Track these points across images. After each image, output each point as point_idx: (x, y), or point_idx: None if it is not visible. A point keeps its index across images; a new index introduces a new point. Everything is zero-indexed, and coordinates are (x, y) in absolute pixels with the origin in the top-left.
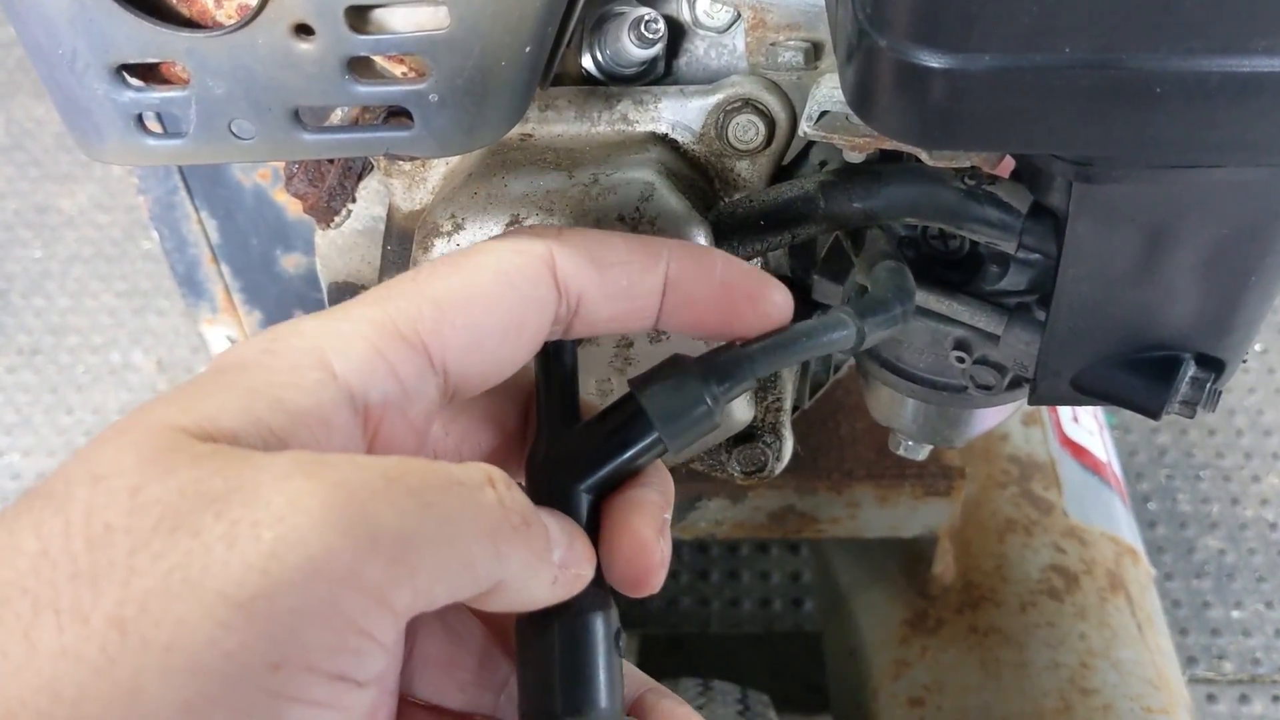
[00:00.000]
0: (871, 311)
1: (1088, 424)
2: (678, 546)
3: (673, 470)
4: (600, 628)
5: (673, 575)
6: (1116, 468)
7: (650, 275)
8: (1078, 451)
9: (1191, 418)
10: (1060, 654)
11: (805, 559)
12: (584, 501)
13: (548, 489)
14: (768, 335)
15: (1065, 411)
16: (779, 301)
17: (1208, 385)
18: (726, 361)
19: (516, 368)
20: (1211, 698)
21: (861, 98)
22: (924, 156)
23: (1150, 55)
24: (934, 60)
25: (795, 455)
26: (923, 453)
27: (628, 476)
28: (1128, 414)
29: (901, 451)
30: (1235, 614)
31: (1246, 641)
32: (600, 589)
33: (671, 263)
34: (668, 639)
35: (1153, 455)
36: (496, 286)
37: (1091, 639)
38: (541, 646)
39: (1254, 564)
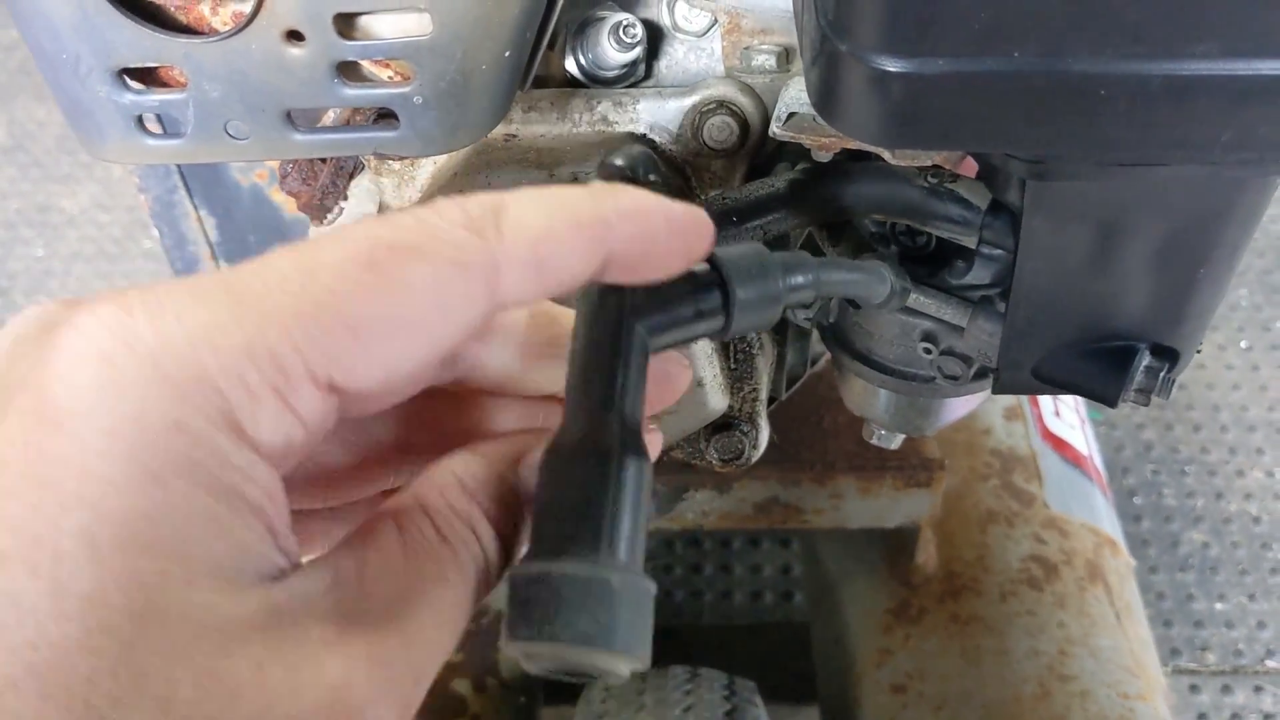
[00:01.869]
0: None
1: (1069, 418)
2: (670, 540)
3: (658, 461)
4: (632, 472)
5: (666, 569)
6: (1098, 461)
7: (591, 264)
8: (1059, 445)
9: (1146, 405)
10: (1039, 642)
11: (795, 553)
12: (639, 336)
13: (605, 323)
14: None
15: (1047, 406)
16: (707, 235)
17: (1161, 374)
18: (803, 263)
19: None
20: (1194, 688)
21: (825, 100)
22: (887, 155)
23: (1094, 59)
24: (892, 64)
25: (776, 446)
26: (895, 441)
27: (681, 340)
28: (1113, 410)
29: (875, 440)
30: (1219, 606)
31: (1229, 633)
32: (635, 438)
33: (616, 244)
34: (661, 630)
35: (1138, 450)
36: (428, 316)
37: (1070, 627)
38: (566, 481)
39: (1237, 557)
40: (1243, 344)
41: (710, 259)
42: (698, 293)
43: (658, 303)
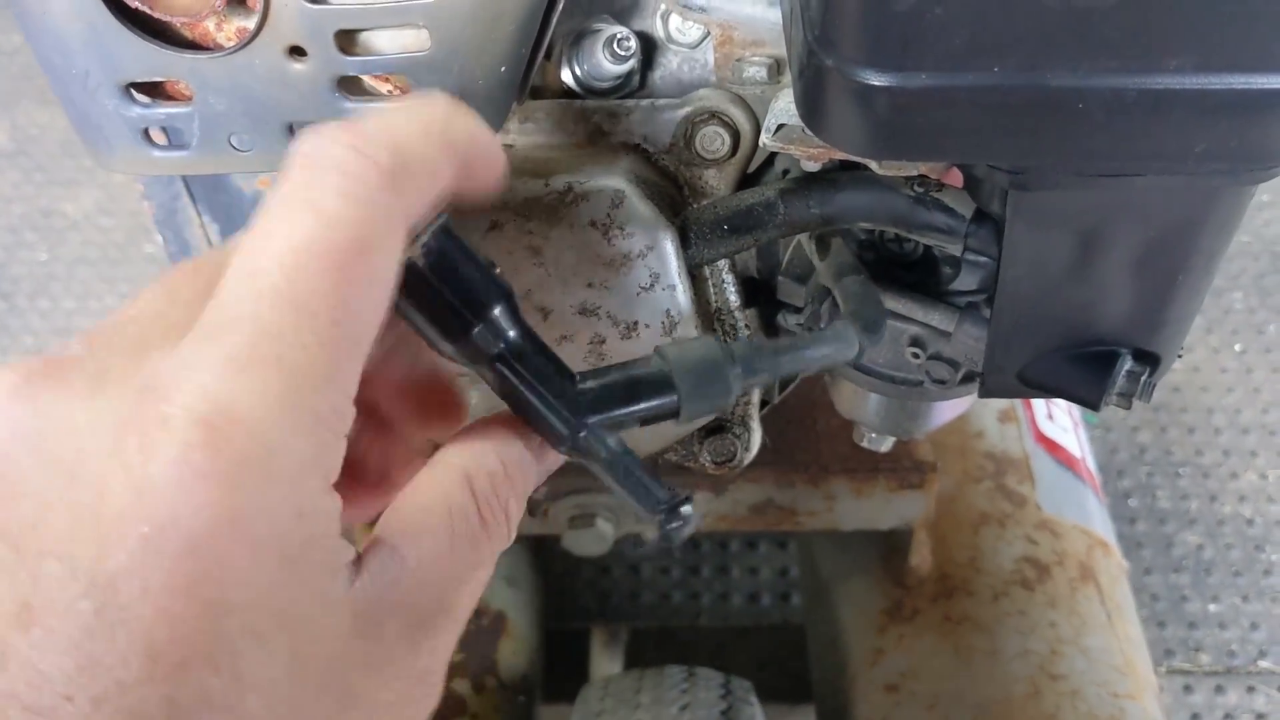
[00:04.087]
0: (873, 329)
1: (1062, 421)
2: None
3: (654, 464)
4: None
5: (664, 571)
6: (1091, 463)
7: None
8: (1052, 447)
9: (1128, 409)
10: (1031, 641)
11: (793, 555)
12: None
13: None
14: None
15: (1040, 409)
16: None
17: (1143, 379)
18: (755, 354)
19: None
20: (1188, 689)
21: (812, 112)
22: (873, 166)
23: (1071, 73)
24: (876, 78)
25: (771, 449)
26: (886, 444)
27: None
28: (1108, 413)
29: (865, 443)
30: (1212, 607)
31: (1223, 634)
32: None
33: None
34: (659, 631)
35: (1133, 453)
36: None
37: (1061, 627)
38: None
39: (1231, 559)
40: (1236, 347)
41: (665, 359)
42: (648, 400)
43: (608, 403)
